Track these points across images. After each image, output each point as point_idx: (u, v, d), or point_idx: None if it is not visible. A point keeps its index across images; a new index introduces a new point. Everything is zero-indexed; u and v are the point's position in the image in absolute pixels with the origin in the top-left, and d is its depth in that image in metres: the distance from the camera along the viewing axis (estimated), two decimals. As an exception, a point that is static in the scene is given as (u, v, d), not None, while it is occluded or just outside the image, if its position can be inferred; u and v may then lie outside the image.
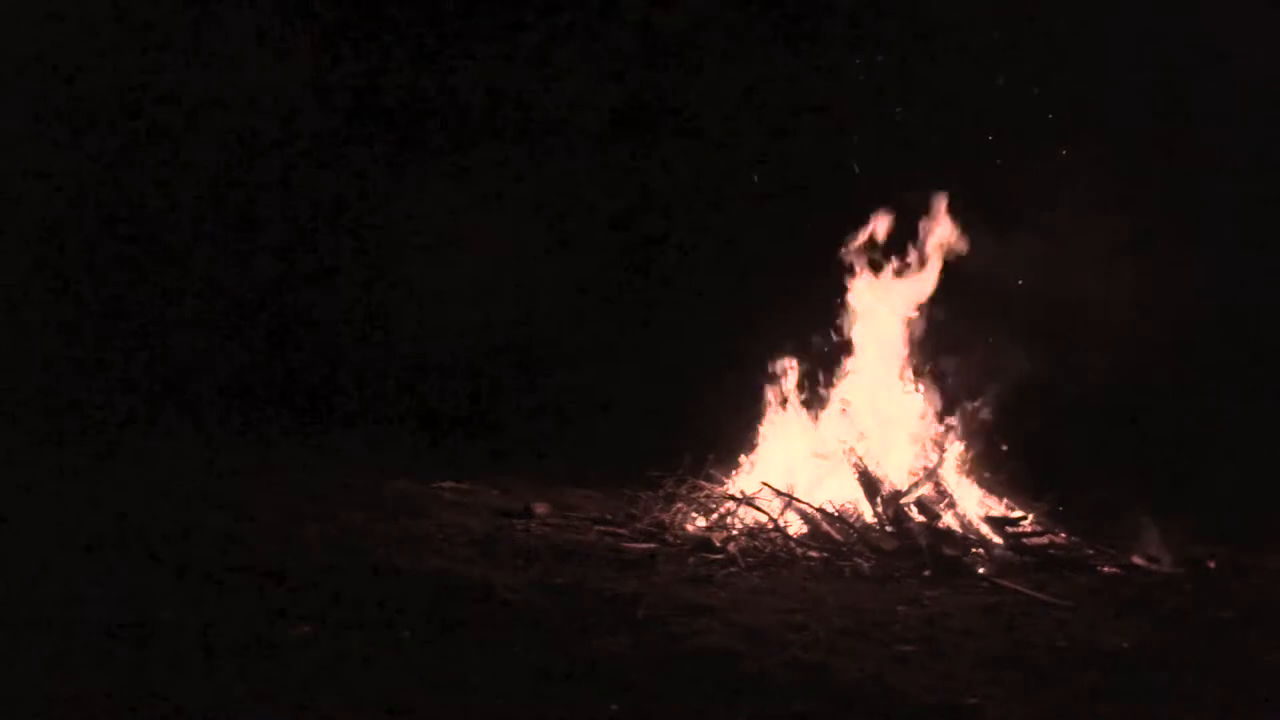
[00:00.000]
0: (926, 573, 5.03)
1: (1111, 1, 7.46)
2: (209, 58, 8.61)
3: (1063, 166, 7.03)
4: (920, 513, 5.51)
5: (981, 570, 5.16)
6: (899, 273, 6.36)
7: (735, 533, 5.52)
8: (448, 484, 6.44)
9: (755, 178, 8.59)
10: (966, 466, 6.03)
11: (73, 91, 8.39)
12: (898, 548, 5.30)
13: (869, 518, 5.57)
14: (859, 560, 5.22)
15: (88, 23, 8.32)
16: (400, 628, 3.66)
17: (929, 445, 6.07)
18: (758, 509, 5.73)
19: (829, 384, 6.33)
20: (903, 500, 5.54)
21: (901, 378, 6.28)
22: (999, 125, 7.27)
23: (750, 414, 6.44)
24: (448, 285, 8.53)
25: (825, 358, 6.42)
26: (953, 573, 5.04)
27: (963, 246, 6.35)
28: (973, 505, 5.81)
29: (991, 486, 6.00)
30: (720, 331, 7.75)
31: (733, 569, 5.01)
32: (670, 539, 5.53)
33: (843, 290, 6.41)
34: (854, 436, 5.95)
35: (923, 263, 6.33)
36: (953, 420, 6.13)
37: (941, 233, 6.37)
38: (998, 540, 5.51)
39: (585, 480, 6.86)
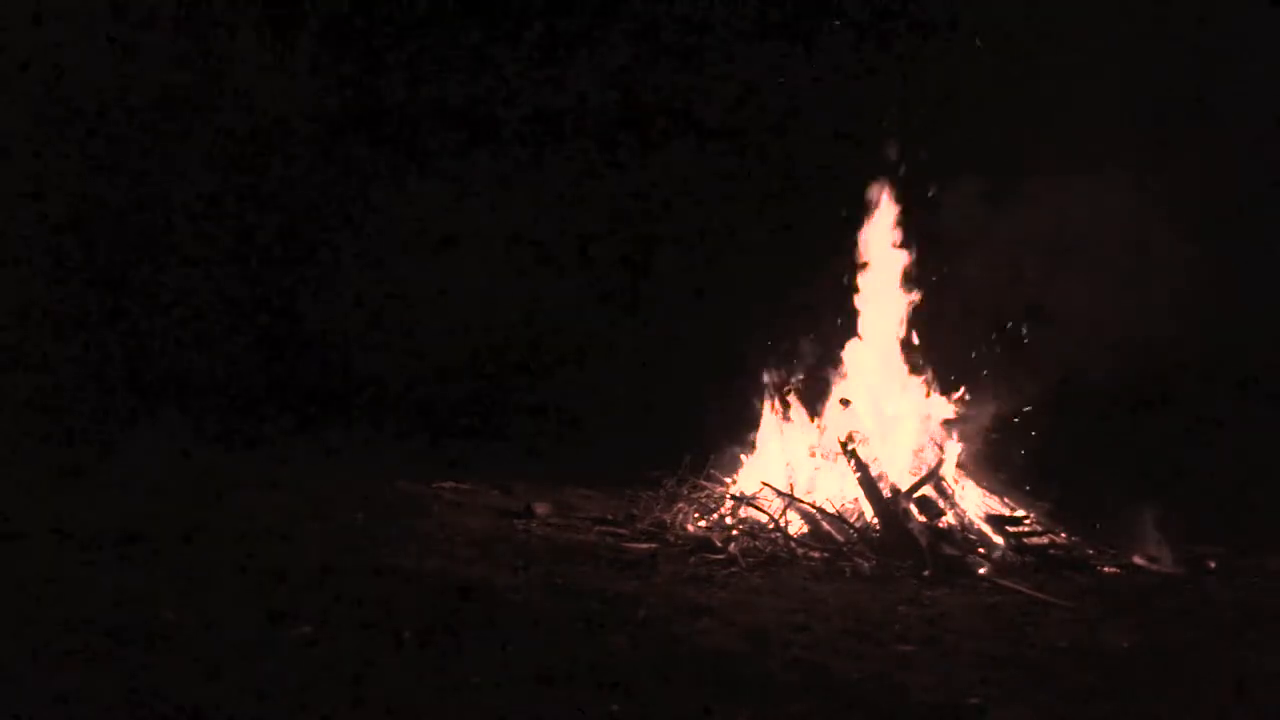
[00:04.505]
0: (926, 573, 5.03)
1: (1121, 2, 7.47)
2: (209, 57, 8.62)
3: (1066, 165, 7.03)
4: (920, 513, 5.51)
5: (981, 570, 5.16)
6: (900, 272, 6.36)
7: (736, 533, 5.52)
8: (448, 484, 6.45)
9: (754, 176, 8.59)
10: (966, 466, 6.03)
11: (72, 90, 8.39)
12: (897, 548, 5.30)
13: (869, 518, 5.56)
14: (859, 560, 5.22)
15: (86, 21, 8.32)
16: (400, 628, 3.65)
17: (929, 445, 6.07)
18: (758, 509, 5.73)
19: (829, 384, 6.33)
20: (903, 500, 5.54)
21: (901, 378, 6.28)
22: (1000, 126, 7.26)
23: (750, 414, 6.44)
24: (448, 286, 8.54)
25: (825, 357, 6.42)
26: (953, 573, 5.04)
27: (965, 246, 6.35)
28: (973, 505, 5.81)
29: (991, 486, 6.00)
30: (721, 331, 7.74)
31: (733, 569, 5.01)
32: (671, 539, 5.53)
33: (843, 290, 6.41)
34: (854, 436, 5.95)
35: (924, 262, 6.33)
36: (953, 420, 6.13)
37: (943, 232, 6.37)
38: (998, 540, 5.51)
39: (586, 480, 6.86)
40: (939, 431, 6.12)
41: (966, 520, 5.65)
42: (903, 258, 6.36)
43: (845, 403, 6.19)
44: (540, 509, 5.84)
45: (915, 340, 6.32)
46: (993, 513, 5.75)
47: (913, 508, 5.53)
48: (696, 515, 5.91)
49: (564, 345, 8.67)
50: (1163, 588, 5.07)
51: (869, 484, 5.62)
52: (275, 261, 8.76)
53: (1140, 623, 4.35)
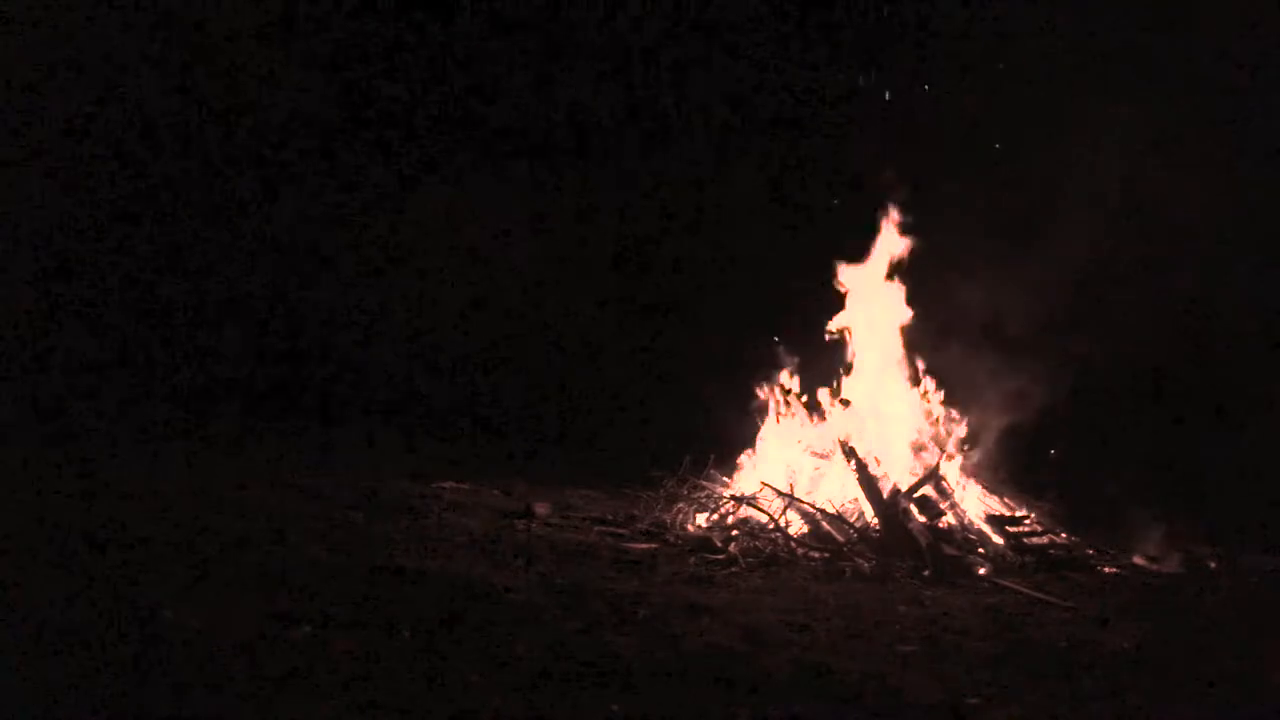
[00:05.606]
0: (926, 573, 5.03)
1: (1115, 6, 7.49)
2: (212, 58, 8.62)
3: (1067, 168, 7.04)
4: (920, 513, 5.51)
5: (981, 570, 5.17)
6: (900, 272, 6.36)
7: (736, 533, 5.52)
8: (448, 484, 6.45)
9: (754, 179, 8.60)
10: (966, 466, 6.03)
11: (76, 91, 8.39)
12: (897, 548, 5.30)
13: (869, 518, 5.56)
14: (859, 560, 5.22)
15: (90, 22, 8.33)
16: (400, 628, 3.65)
17: (929, 445, 6.07)
18: (758, 509, 5.73)
19: (829, 384, 6.33)
20: (903, 500, 5.54)
21: (901, 378, 6.28)
22: (1000, 127, 7.27)
23: (750, 414, 6.45)
24: (448, 286, 8.54)
25: (825, 358, 6.42)
26: (953, 573, 5.04)
27: (965, 246, 6.36)
28: (973, 505, 5.81)
29: (991, 486, 6.00)
30: (721, 331, 7.75)
31: (733, 569, 5.01)
32: (671, 539, 5.53)
33: (843, 290, 6.41)
34: (854, 436, 5.95)
35: (924, 263, 6.33)
36: (953, 420, 6.13)
37: (943, 233, 6.37)
38: (998, 540, 5.51)
39: (586, 480, 6.87)
40: (939, 431, 6.12)
41: (966, 520, 5.65)
42: (903, 259, 6.36)
43: (845, 403, 6.19)
44: (540, 509, 5.84)
45: (915, 340, 6.32)
46: (993, 513, 5.75)
47: (913, 508, 5.53)
48: (696, 515, 5.91)
49: (564, 346, 8.67)
50: (1163, 588, 5.08)
51: (869, 484, 5.62)
52: (276, 262, 8.77)
53: (1140, 623, 4.35)
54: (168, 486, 5.66)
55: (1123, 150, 6.86)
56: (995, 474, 6.06)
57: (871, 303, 6.37)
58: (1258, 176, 7.26)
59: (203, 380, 8.33)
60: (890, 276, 6.36)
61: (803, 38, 8.65)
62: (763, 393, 6.44)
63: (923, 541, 5.26)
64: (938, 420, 6.17)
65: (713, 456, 6.43)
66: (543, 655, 3.49)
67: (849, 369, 6.35)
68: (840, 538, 5.47)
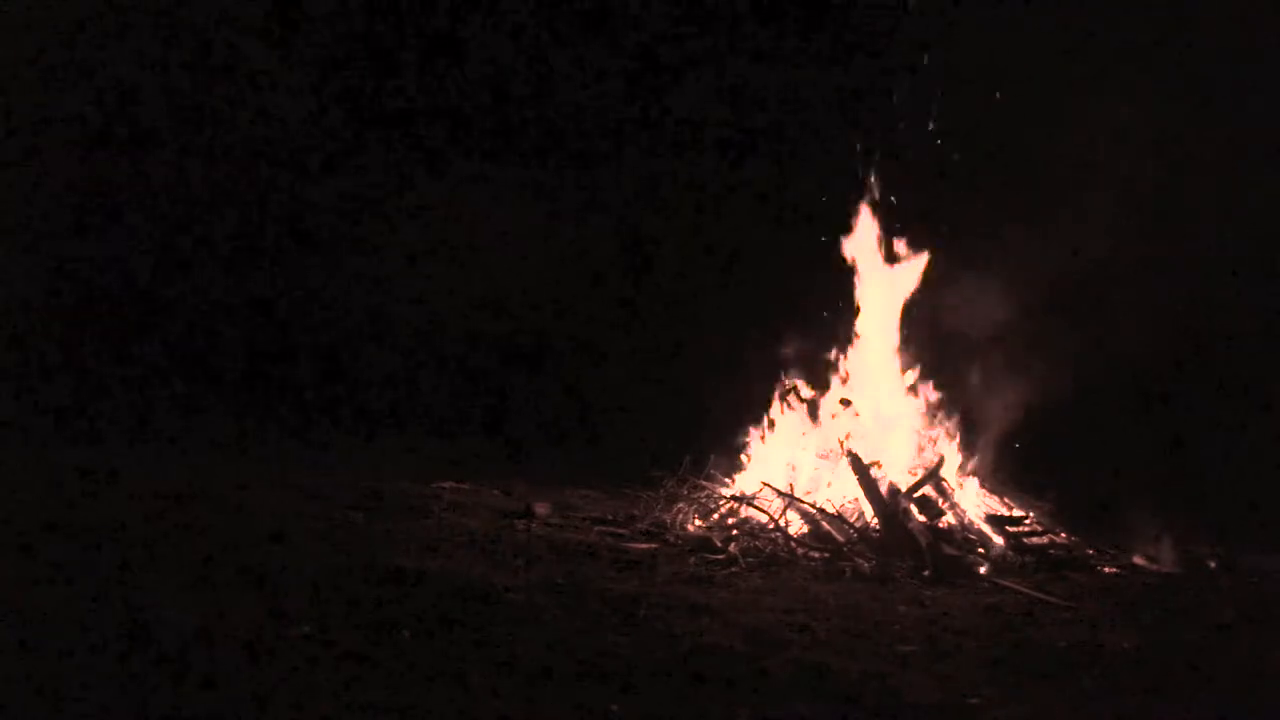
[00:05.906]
0: (926, 573, 5.03)
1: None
2: (212, 59, 8.62)
3: (1067, 166, 7.03)
4: (920, 513, 5.51)
5: (981, 570, 5.17)
6: (900, 272, 6.35)
7: (736, 533, 5.52)
8: (448, 484, 6.45)
9: (754, 179, 8.60)
10: (966, 466, 6.03)
11: (76, 92, 8.39)
12: (897, 548, 5.30)
13: (869, 518, 5.56)
14: (859, 560, 5.22)
15: (90, 24, 8.33)
16: (400, 628, 3.66)
17: (929, 445, 6.07)
18: (758, 509, 5.73)
19: (829, 384, 6.33)
20: (903, 500, 5.54)
21: (901, 377, 6.28)
22: (1000, 125, 7.27)
23: (750, 414, 6.45)
24: (448, 285, 8.54)
25: (825, 357, 6.42)
26: (953, 573, 5.04)
27: (965, 246, 6.35)
28: (973, 505, 5.81)
29: (991, 486, 6.00)
30: (720, 331, 7.75)
31: (733, 569, 5.01)
32: (671, 539, 5.53)
33: (843, 289, 6.41)
34: (854, 436, 5.95)
35: (924, 262, 6.33)
36: (953, 420, 6.13)
37: (943, 232, 6.37)
38: (998, 540, 5.51)
39: (586, 480, 6.87)
40: (939, 432, 6.12)
41: (966, 520, 5.65)
42: (903, 257, 6.36)
43: (845, 403, 6.19)
44: (540, 509, 5.84)
45: (915, 340, 6.31)
46: (993, 513, 5.75)
47: (913, 508, 5.53)
48: (696, 515, 5.91)
49: (564, 346, 8.67)
50: (1163, 588, 5.08)
51: (869, 484, 5.62)
52: (277, 262, 8.76)
53: (1140, 623, 4.35)
54: (168, 486, 5.66)
55: (1123, 150, 6.85)
56: (995, 474, 6.06)
57: (873, 301, 6.37)
58: (1258, 176, 7.26)
59: (203, 380, 8.32)
60: (892, 274, 6.36)
61: (803, 36, 8.65)
62: (763, 392, 6.44)
63: (923, 541, 5.26)
64: (938, 420, 6.17)
65: (713, 456, 6.43)
66: (543, 655, 3.49)
67: (849, 368, 6.35)
68: (840, 538, 5.47)
